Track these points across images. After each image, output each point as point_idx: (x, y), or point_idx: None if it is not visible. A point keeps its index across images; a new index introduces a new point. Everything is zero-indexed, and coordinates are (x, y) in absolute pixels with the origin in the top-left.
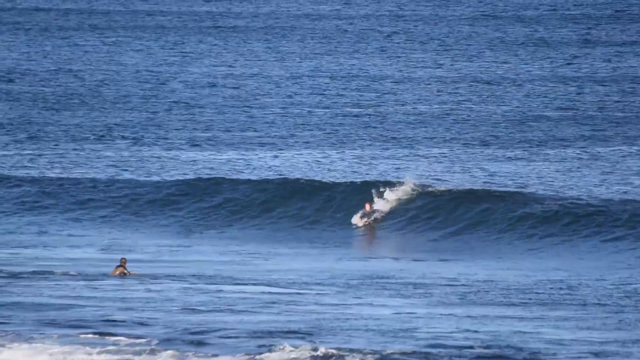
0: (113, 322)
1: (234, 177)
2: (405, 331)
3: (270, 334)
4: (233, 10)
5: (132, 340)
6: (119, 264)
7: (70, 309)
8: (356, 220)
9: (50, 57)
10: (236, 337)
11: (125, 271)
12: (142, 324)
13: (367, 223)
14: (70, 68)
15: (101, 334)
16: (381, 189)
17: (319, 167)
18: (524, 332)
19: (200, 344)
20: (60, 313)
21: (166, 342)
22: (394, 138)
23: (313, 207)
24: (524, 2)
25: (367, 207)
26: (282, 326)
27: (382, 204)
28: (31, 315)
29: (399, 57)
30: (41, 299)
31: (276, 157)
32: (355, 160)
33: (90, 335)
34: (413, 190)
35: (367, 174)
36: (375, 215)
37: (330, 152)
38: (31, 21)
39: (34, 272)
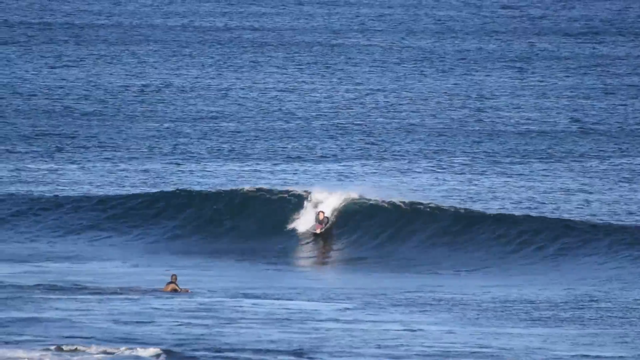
0: (109, 335)
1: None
2: (411, 346)
3: (268, 349)
4: (249, 25)
5: (115, 350)
6: (170, 280)
7: (69, 321)
8: (313, 228)
9: (69, 71)
10: (229, 351)
11: (177, 288)
12: (137, 336)
13: (322, 231)
14: (93, 81)
15: (80, 346)
16: (328, 197)
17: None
18: (534, 348)
19: (185, 356)
20: (59, 326)
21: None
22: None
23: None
24: (536, 16)
25: (321, 215)
26: (281, 341)
27: (330, 211)
28: (30, 329)
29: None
30: (49, 313)
31: (257, 169)
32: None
33: (73, 347)
34: (359, 199)
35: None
36: (329, 222)
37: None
38: (50, 35)
39: (48, 287)
